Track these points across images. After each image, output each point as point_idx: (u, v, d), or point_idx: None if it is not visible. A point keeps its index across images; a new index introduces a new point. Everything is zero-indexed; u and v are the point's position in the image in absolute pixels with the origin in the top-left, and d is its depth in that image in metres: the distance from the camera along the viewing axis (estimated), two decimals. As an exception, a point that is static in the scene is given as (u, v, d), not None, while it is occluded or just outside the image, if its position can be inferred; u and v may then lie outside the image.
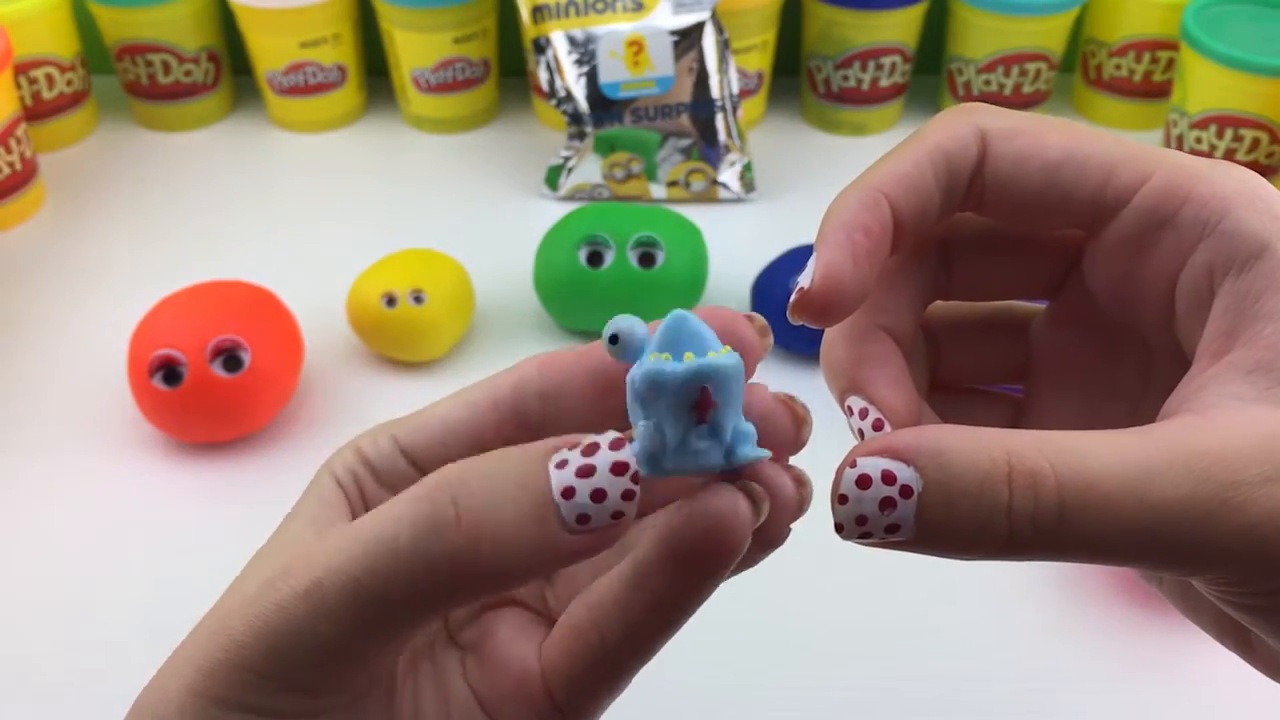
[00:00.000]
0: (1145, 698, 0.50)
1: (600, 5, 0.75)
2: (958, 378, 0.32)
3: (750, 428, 0.25)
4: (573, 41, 0.76)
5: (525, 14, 0.77)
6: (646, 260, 0.65)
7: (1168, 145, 0.80)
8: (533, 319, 0.69)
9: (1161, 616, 0.52)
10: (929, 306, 0.30)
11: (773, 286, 0.64)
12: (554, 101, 0.77)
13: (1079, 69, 0.88)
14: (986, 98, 0.84)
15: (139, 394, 0.59)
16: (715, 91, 0.76)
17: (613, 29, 0.75)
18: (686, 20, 0.75)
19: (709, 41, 0.76)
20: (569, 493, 0.23)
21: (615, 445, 0.24)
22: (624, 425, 0.26)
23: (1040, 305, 0.31)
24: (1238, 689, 0.49)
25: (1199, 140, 0.77)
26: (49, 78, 0.83)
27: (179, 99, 0.86)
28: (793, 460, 0.27)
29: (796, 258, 0.65)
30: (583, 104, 0.76)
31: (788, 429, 0.27)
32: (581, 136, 0.76)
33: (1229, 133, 0.76)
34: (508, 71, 0.90)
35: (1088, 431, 0.23)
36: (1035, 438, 0.23)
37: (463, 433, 0.28)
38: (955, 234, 0.29)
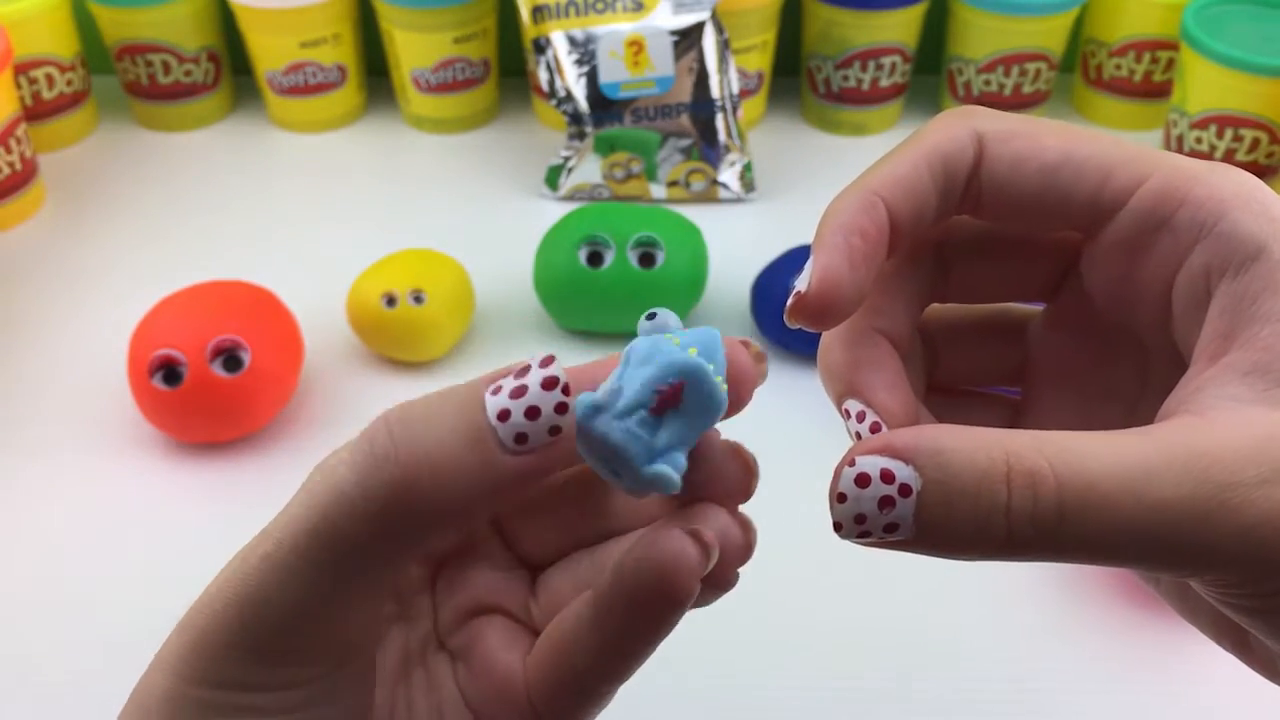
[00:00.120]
0: (1144, 698, 0.50)
1: (600, 5, 0.76)
2: (955, 380, 0.32)
3: (683, 463, 0.25)
4: (573, 41, 0.76)
5: (525, 14, 0.77)
6: (646, 260, 0.65)
7: (1168, 145, 0.80)
8: (533, 319, 0.69)
9: (1160, 617, 0.52)
10: (926, 309, 0.30)
11: (773, 286, 0.64)
12: (554, 101, 0.77)
13: (1079, 69, 0.88)
14: (986, 98, 0.84)
15: (139, 394, 0.59)
16: (715, 91, 0.76)
17: (613, 29, 0.75)
18: (686, 20, 0.75)
19: (709, 41, 0.76)
20: (504, 415, 0.24)
21: (545, 363, 0.24)
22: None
23: (1037, 307, 0.31)
24: (1236, 689, 0.49)
25: (1199, 140, 0.77)
26: (49, 78, 0.83)
27: (179, 99, 0.86)
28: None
29: (796, 258, 0.65)
30: (583, 104, 0.76)
31: (737, 477, 0.27)
32: (581, 136, 0.76)
33: (1229, 133, 0.76)
34: (508, 71, 0.90)
35: (1087, 432, 0.24)
36: (1034, 438, 0.23)
37: None
38: (952, 236, 0.29)
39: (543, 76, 0.77)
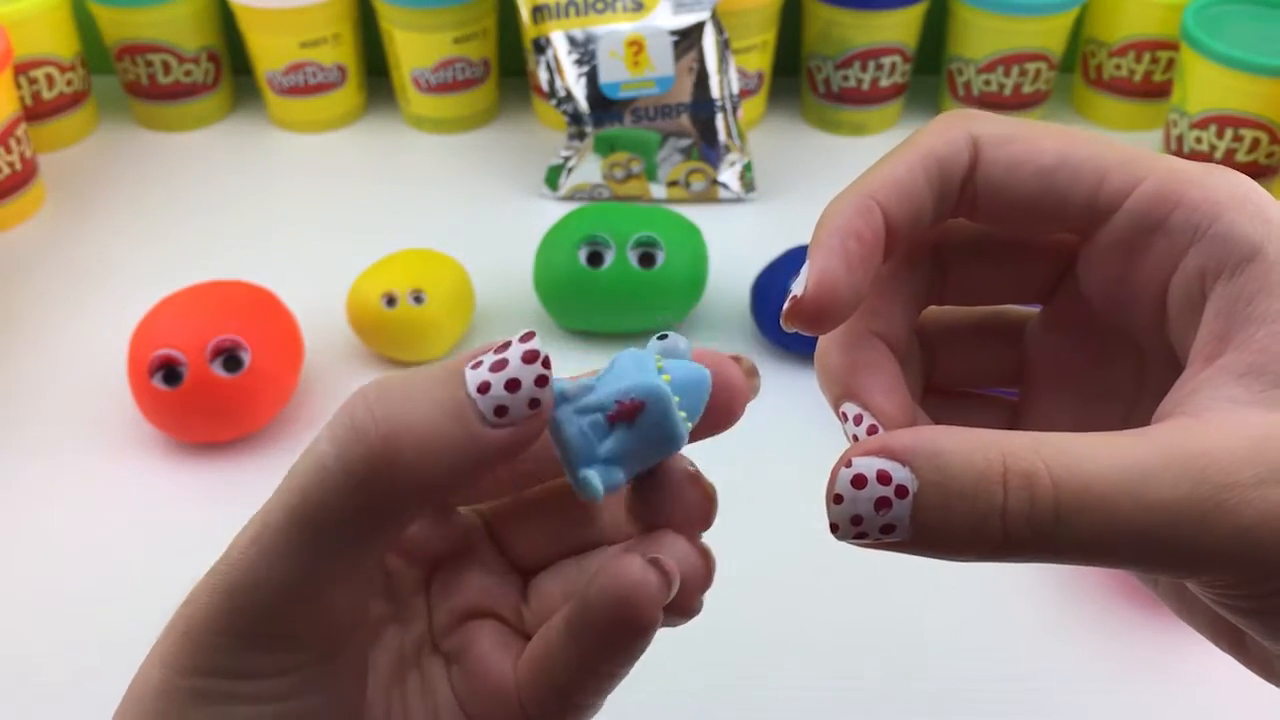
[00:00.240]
0: (1143, 698, 0.50)
1: (600, 5, 0.76)
2: (952, 381, 0.32)
3: (618, 479, 0.26)
4: (573, 41, 0.76)
5: (525, 14, 0.77)
6: (646, 260, 0.65)
7: (1168, 145, 0.80)
8: (533, 319, 0.69)
9: (1159, 617, 0.52)
10: (923, 311, 0.30)
11: (772, 286, 0.64)
12: (554, 101, 0.77)
13: (1079, 69, 0.88)
14: (986, 98, 0.84)
15: (139, 394, 0.59)
16: (715, 91, 0.76)
17: (613, 29, 0.75)
18: (686, 20, 0.75)
19: (709, 41, 0.76)
20: (485, 387, 0.24)
21: (525, 338, 0.25)
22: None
23: (1034, 309, 0.31)
24: (1233, 689, 0.49)
25: (1199, 140, 0.77)
26: (49, 78, 0.83)
27: (179, 99, 0.86)
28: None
29: (796, 258, 0.65)
30: (583, 104, 0.76)
31: (697, 504, 0.28)
32: (581, 136, 0.77)
33: (1229, 133, 0.76)
34: (508, 71, 0.90)
35: (1083, 433, 0.24)
36: (1031, 439, 0.23)
37: None
38: (948, 239, 0.30)
39: (543, 76, 0.77)
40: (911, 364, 0.30)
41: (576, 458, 0.25)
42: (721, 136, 0.77)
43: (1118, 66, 0.84)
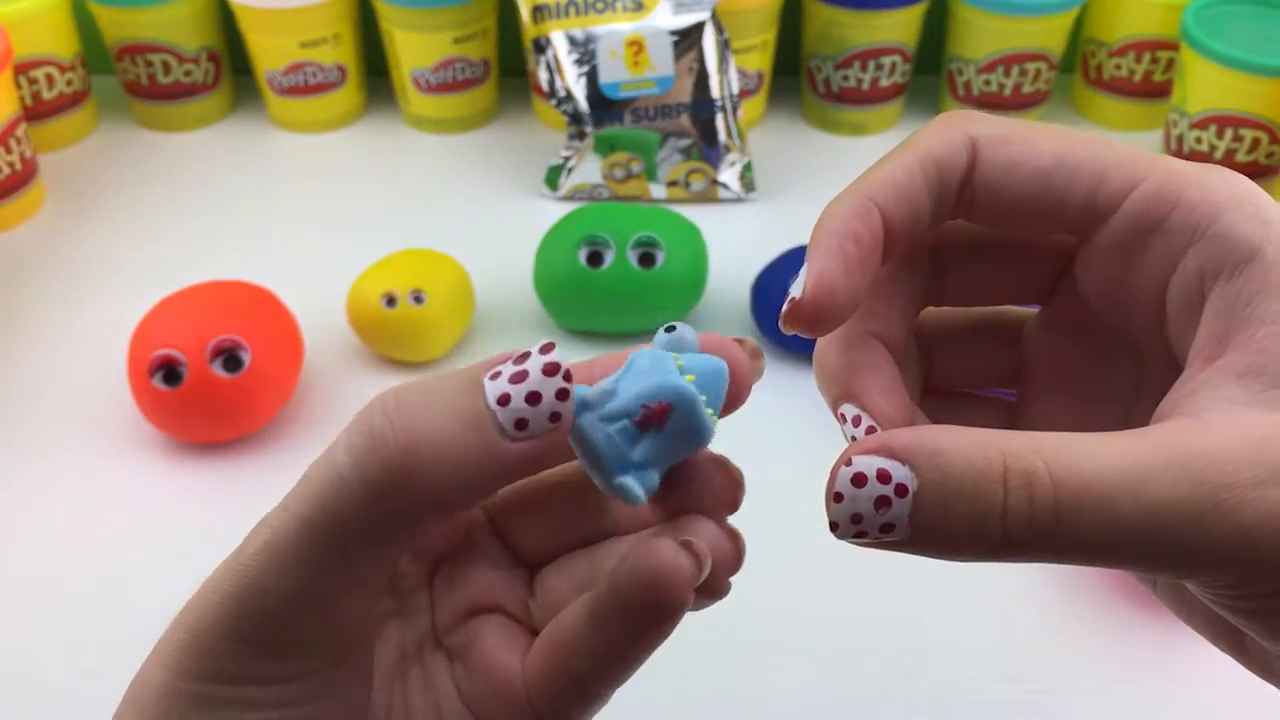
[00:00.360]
0: (1143, 698, 0.50)
1: (600, 5, 0.76)
2: (951, 382, 0.32)
3: (655, 482, 0.25)
4: (573, 41, 0.76)
5: (525, 14, 0.77)
6: (646, 260, 0.65)
7: (1168, 145, 0.80)
8: (533, 319, 0.69)
9: (1159, 617, 0.52)
10: (922, 312, 0.30)
11: (772, 286, 0.64)
12: (554, 101, 0.77)
13: (1079, 69, 0.88)
14: (986, 98, 0.84)
15: (139, 394, 0.59)
16: (715, 91, 0.76)
17: (613, 29, 0.75)
18: (686, 20, 0.75)
19: (709, 41, 0.76)
20: (504, 399, 0.24)
21: (546, 349, 0.24)
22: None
23: (1033, 310, 0.31)
24: (1233, 690, 0.49)
25: (1199, 140, 0.77)
26: (49, 78, 0.83)
27: (179, 99, 0.86)
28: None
29: (796, 258, 0.65)
30: (583, 104, 0.76)
31: (724, 488, 0.27)
32: (581, 136, 0.77)
33: (1229, 133, 0.76)
34: (508, 71, 0.90)
35: (1083, 433, 0.24)
36: (1031, 438, 0.23)
37: None
38: (947, 240, 0.30)
39: (543, 76, 0.77)
40: (910, 365, 0.30)
41: (611, 466, 0.25)
42: (721, 136, 0.77)
43: (1118, 66, 0.84)
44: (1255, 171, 0.77)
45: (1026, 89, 0.84)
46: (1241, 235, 0.25)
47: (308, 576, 0.24)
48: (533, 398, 0.24)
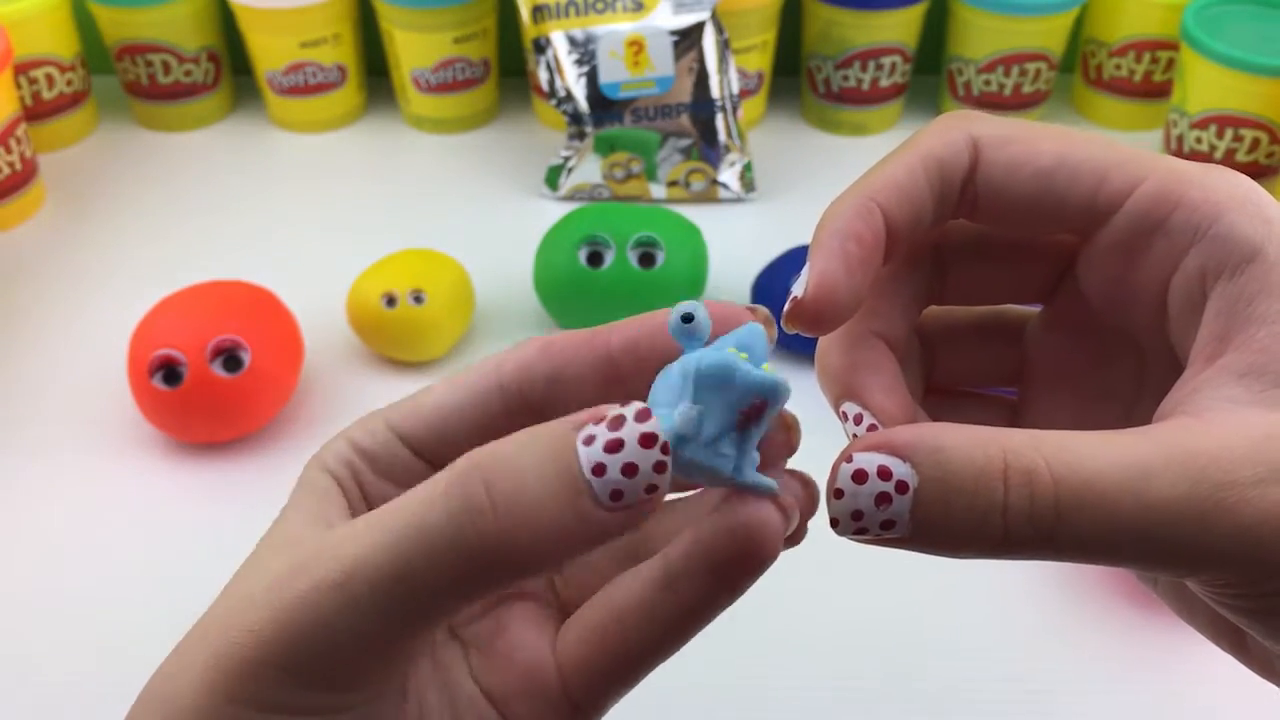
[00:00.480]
0: (1144, 698, 0.50)
1: (600, 5, 0.76)
2: (953, 381, 0.32)
3: (757, 455, 0.25)
4: (573, 41, 0.76)
5: (525, 14, 0.77)
6: (646, 260, 0.65)
7: (1168, 145, 0.80)
8: (533, 319, 0.69)
9: (1159, 617, 0.52)
10: (923, 311, 0.30)
11: (773, 286, 0.64)
12: (554, 101, 0.77)
13: (1079, 69, 0.88)
14: (986, 98, 0.84)
15: (139, 394, 0.59)
16: (715, 91, 0.76)
17: (613, 29, 0.75)
18: (686, 20, 0.75)
19: (709, 41, 0.76)
20: (600, 469, 0.23)
21: (641, 417, 0.23)
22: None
23: (1034, 309, 0.31)
24: (1234, 689, 0.49)
25: (1199, 140, 0.77)
26: (49, 78, 0.83)
27: (179, 99, 0.86)
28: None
29: (796, 258, 0.65)
30: (583, 104, 0.76)
31: (780, 435, 0.27)
32: (581, 136, 0.77)
33: (1229, 133, 0.76)
34: (508, 71, 0.90)
35: (1084, 432, 0.24)
36: (1032, 436, 0.23)
37: (463, 417, 0.28)
38: (949, 239, 0.30)
39: (543, 76, 0.77)
40: (912, 364, 0.30)
41: (733, 475, 0.24)
42: (721, 136, 0.77)
43: (1118, 66, 0.84)
44: (1255, 171, 0.77)
45: (1026, 89, 0.84)
46: (1243, 235, 0.25)
47: (379, 626, 0.24)
48: (629, 469, 0.23)
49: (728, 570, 0.25)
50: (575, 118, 0.76)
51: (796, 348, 0.64)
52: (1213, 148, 0.77)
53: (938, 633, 0.53)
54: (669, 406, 0.24)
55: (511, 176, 0.82)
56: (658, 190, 0.78)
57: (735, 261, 0.70)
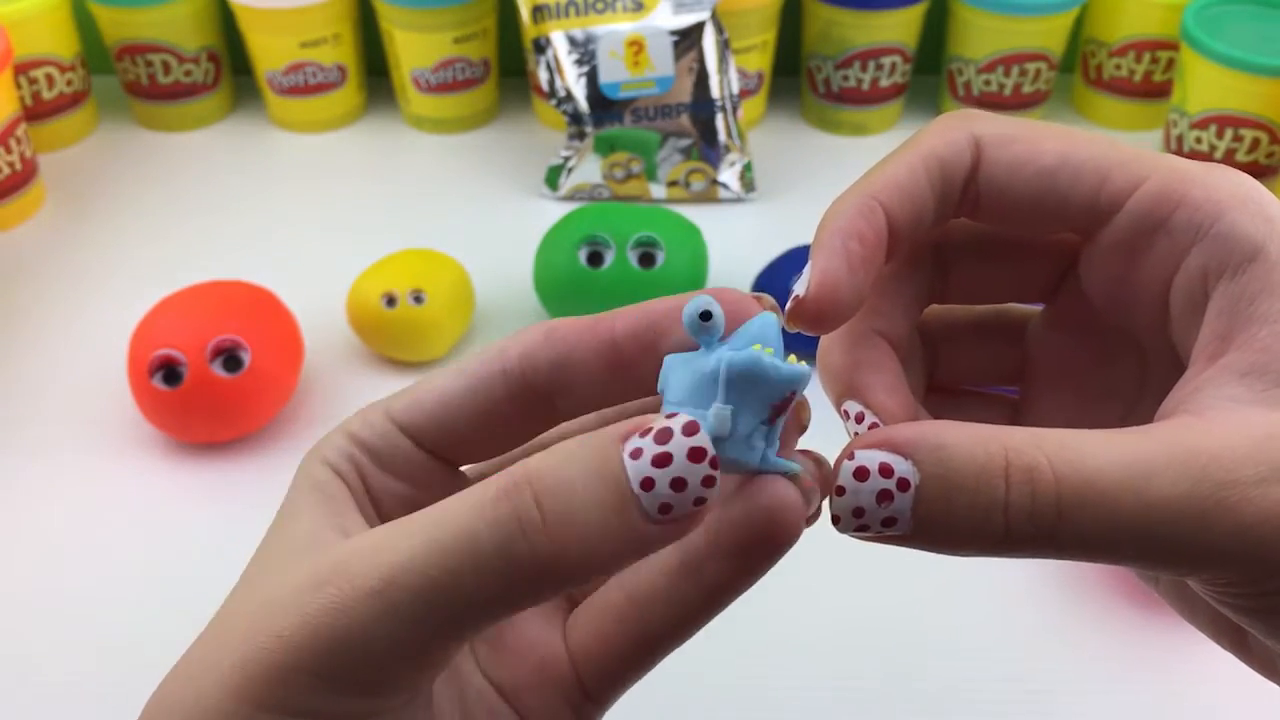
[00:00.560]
0: (1144, 697, 0.50)
1: (600, 5, 0.76)
2: (955, 379, 0.32)
3: (778, 440, 0.25)
4: (573, 41, 0.76)
5: (525, 14, 0.77)
6: (646, 260, 0.65)
7: (1168, 145, 0.80)
8: (533, 319, 0.69)
9: (1160, 617, 0.52)
10: (925, 310, 0.30)
11: (773, 286, 0.64)
12: (554, 101, 0.77)
13: (1079, 69, 0.88)
14: (986, 98, 0.84)
15: (139, 394, 0.59)
16: (715, 91, 0.76)
17: (613, 29, 0.75)
18: (686, 20, 0.75)
19: (709, 41, 0.76)
20: (648, 484, 0.23)
21: (689, 430, 0.23)
22: (636, 396, 0.26)
23: (1036, 308, 0.31)
24: (1236, 689, 0.49)
25: (1199, 140, 0.77)
26: (49, 78, 0.83)
27: (179, 99, 0.86)
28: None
29: (796, 258, 0.65)
30: (583, 104, 0.76)
31: (790, 417, 0.27)
32: (581, 136, 0.77)
33: (1229, 133, 0.76)
34: (508, 71, 0.90)
35: (1086, 430, 0.24)
36: (1033, 434, 0.23)
37: (465, 405, 0.28)
38: (951, 238, 0.30)
39: (543, 76, 0.77)
40: (913, 362, 0.30)
41: (761, 464, 0.24)
42: (721, 136, 0.77)
43: (1118, 66, 0.84)
44: (1255, 171, 0.77)
45: (1026, 89, 0.84)
46: (1245, 234, 0.25)
47: (418, 634, 0.23)
48: (678, 484, 0.23)
49: (753, 552, 0.25)
50: (575, 118, 0.76)
51: (797, 347, 0.64)
52: (1213, 148, 0.77)
53: (938, 633, 0.53)
54: (693, 406, 0.24)
55: (511, 176, 0.82)
56: (658, 190, 0.78)
57: (735, 261, 0.70)
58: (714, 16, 0.76)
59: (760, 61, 0.84)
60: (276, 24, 0.82)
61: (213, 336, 0.59)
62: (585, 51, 0.76)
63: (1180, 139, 0.79)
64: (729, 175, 0.78)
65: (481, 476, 0.30)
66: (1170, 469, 0.23)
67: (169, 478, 0.60)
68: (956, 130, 0.27)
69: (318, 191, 0.82)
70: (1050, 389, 0.31)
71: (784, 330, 0.26)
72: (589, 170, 0.78)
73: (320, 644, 0.23)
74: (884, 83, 0.84)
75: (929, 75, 0.89)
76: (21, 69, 0.81)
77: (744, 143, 0.78)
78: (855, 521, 0.24)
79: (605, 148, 0.77)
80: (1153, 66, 0.83)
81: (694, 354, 0.25)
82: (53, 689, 0.51)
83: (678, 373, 0.25)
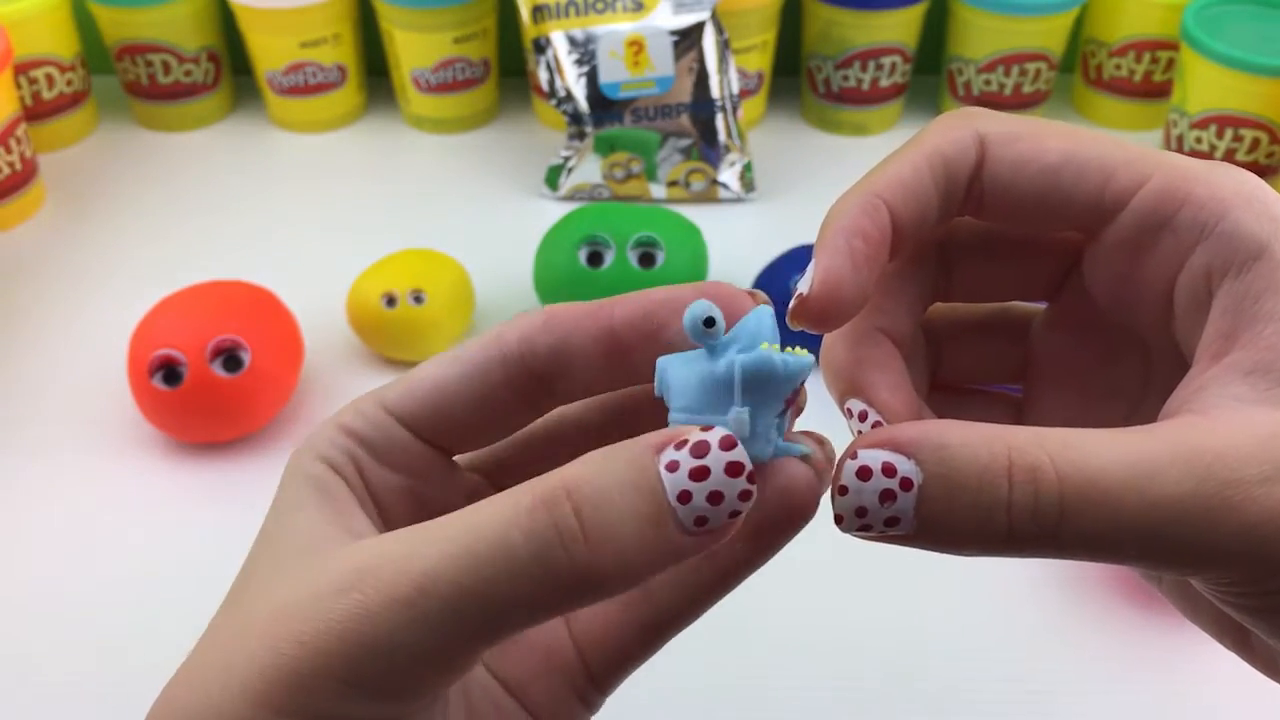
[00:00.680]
0: (1145, 697, 0.50)
1: (600, 5, 0.76)
2: (958, 378, 0.32)
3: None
4: (573, 41, 0.76)
5: (525, 14, 0.77)
6: (646, 260, 0.65)
7: (1168, 145, 0.80)
8: (533, 319, 0.69)
9: (1161, 616, 0.52)
10: (929, 307, 0.30)
11: (773, 286, 0.64)
12: (554, 101, 0.77)
13: (1079, 69, 0.88)
14: (986, 98, 0.84)
15: (139, 394, 0.59)
16: (715, 91, 0.76)
17: (613, 29, 0.75)
18: (686, 20, 0.75)
19: (709, 41, 0.76)
20: (685, 497, 0.23)
21: (726, 445, 0.23)
22: (633, 383, 0.27)
23: (1040, 306, 0.31)
24: (1237, 688, 0.49)
25: (1199, 140, 0.77)
26: (49, 78, 0.83)
27: (179, 99, 0.86)
28: None
29: (796, 258, 0.65)
30: (583, 104, 0.76)
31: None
32: (581, 136, 0.76)
33: (1229, 133, 0.76)
34: (508, 71, 0.90)
35: (1089, 429, 0.24)
36: (1036, 433, 0.23)
37: (462, 391, 0.28)
38: (954, 236, 0.30)
39: (543, 76, 0.77)
40: (917, 360, 0.30)
41: (774, 452, 0.25)
42: (721, 136, 0.77)
43: (1118, 66, 0.84)
44: (1256, 171, 0.76)
45: (1026, 89, 0.84)
46: (1249, 232, 0.25)
47: (449, 643, 0.23)
48: (715, 498, 0.23)
49: (769, 532, 0.25)
50: (575, 118, 0.76)
51: (801, 343, 0.64)
52: (1213, 148, 0.77)
53: (938, 633, 0.53)
54: (709, 412, 0.24)
55: (511, 176, 0.82)
56: (658, 190, 0.78)
57: (735, 261, 0.70)
58: (714, 16, 0.76)
59: (760, 61, 0.84)
60: (276, 24, 0.82)
61: (213, 336, 0.59)
62: (585, 51, 0.76)
63: (1180, 139, 0.79)
64: (729, 175, 0.78)
65: (472, 466, 0.30)
66: (1174, 468, 0.22)
67: (169, 478, 0.60)
68: (960, 128, 0.27)
69: (318, 191, 0.82)
70: (1054, 388, 0.31)
71: (786, 332, 0.26)
72: (589, 170, 0.78)
73: (347, 649, 0.23)
74: (884, 83, 0.84)
75: (929, 75, 0.89)
76: (21, 69, 0.81)
77: (744, 143, 0.78)
78: (858, 521, 0.24)
79: (605, 148, 0.77)
80: (1153, 66, 0.84)
81: (691, 355, 0.25)
82: (53, 689, 0.51)
83: (678, 375, 0.25)
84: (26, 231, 0.78)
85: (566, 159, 0.78)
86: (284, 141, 0.87)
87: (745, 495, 0.23)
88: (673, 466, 0.23)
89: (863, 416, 0.27)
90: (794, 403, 0.25)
